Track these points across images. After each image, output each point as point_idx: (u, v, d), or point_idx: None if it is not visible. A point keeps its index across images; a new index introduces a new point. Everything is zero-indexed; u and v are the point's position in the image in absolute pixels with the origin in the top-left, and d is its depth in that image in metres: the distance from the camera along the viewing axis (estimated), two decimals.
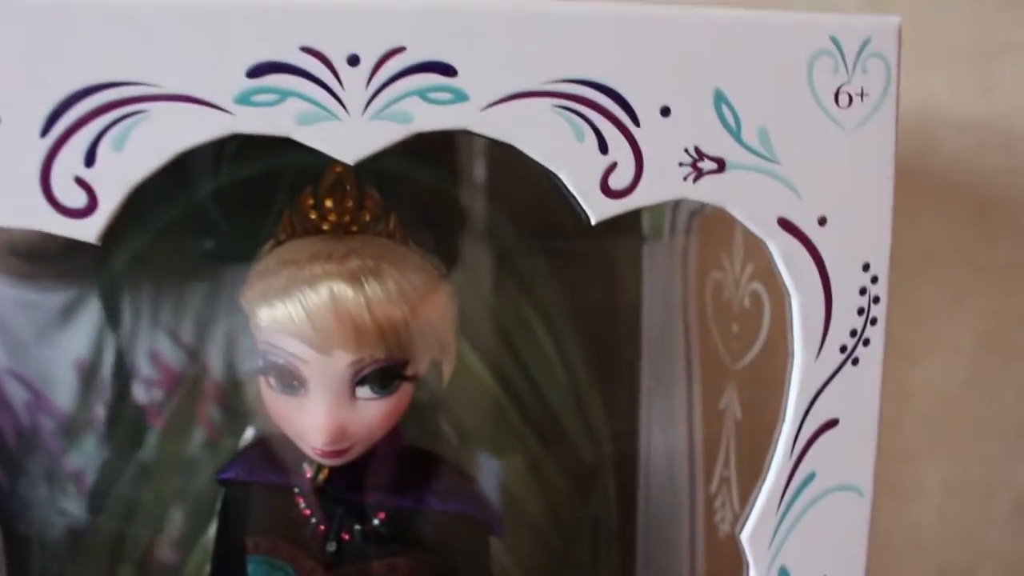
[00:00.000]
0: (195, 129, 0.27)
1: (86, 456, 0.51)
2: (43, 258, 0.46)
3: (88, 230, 0.27)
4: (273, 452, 0.42)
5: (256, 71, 0.27)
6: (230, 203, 0.47)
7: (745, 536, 0.36)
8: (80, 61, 0.26)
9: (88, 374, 0.49)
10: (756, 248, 0.42)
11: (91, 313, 0.49)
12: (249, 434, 0.51)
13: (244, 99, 0.27)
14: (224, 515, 0.43)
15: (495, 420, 0.54)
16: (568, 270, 0.52)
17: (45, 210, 0.26)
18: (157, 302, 0.49)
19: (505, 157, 0.30)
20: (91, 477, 0.51)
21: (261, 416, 0.43)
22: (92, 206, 0.26)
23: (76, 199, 0.26)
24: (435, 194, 0.46)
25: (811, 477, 0.36)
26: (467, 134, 0.29)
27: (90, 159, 0.26)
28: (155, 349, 0.50)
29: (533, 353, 0.53)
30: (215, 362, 0.51)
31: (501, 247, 0.50)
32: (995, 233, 0.69)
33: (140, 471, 0.52)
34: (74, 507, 0.51)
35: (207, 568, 0.52)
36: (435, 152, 0.46)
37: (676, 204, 0.50)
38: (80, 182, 0.26)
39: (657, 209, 0.51)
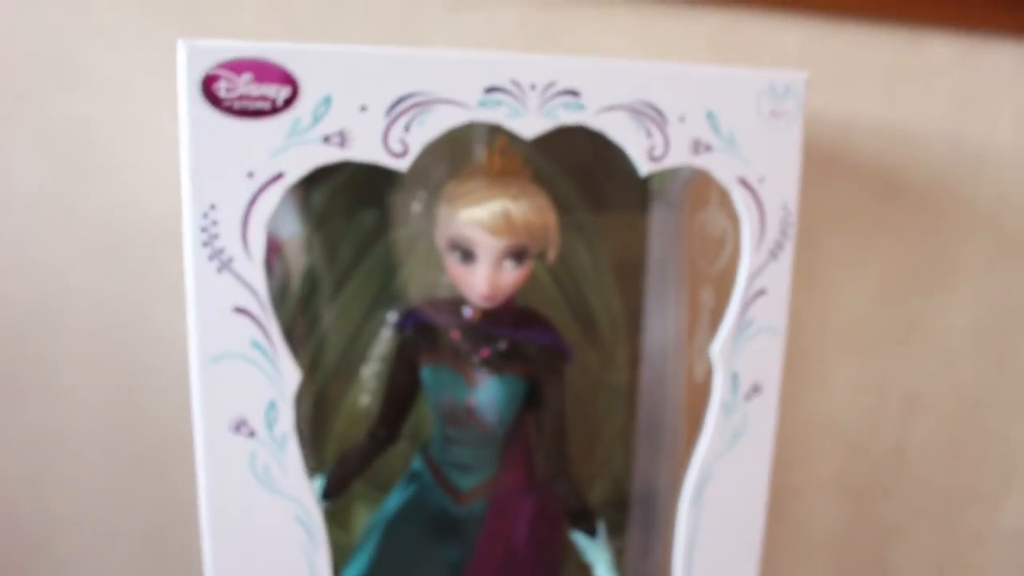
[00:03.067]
0: (455, 118, 0.55)
1: None
2: None
3: (402, 165, 0.55)
4: (436, 305, 0.70)
5: (488, 91, 0.55)
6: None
7: (714, 351, 0.65)
8: (403, 82, 0.54)
9: None
10: (725, 199, 0.71)
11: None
12: (392, 316, 0.78)
13: (481, 104, 0.55)
14: (401, 346, 0.71)
15: (551, 309, 0.81)
16: (608, 217, 0.81)
17: (384, 154, 0.54)
18: None
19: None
20: None
21: (428, 287, 0.71)
22: (405, 152, 0.55)
23: (399, 148, 0.54)
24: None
25: (751, 322, 0.65)
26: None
27: (407, 128, 0.54)
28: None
29: (579, 267, 0.82)
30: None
31: (571, 205, 0.78)
32: (892, 203, 0.96)
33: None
34: None
35: (363, 398, 0.80)
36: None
37: (675, 173, 0.79)
38: (401, 141, 0.54)
39: (661, 178, 0.80)
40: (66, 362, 0.79)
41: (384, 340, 0.79)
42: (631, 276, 0.83)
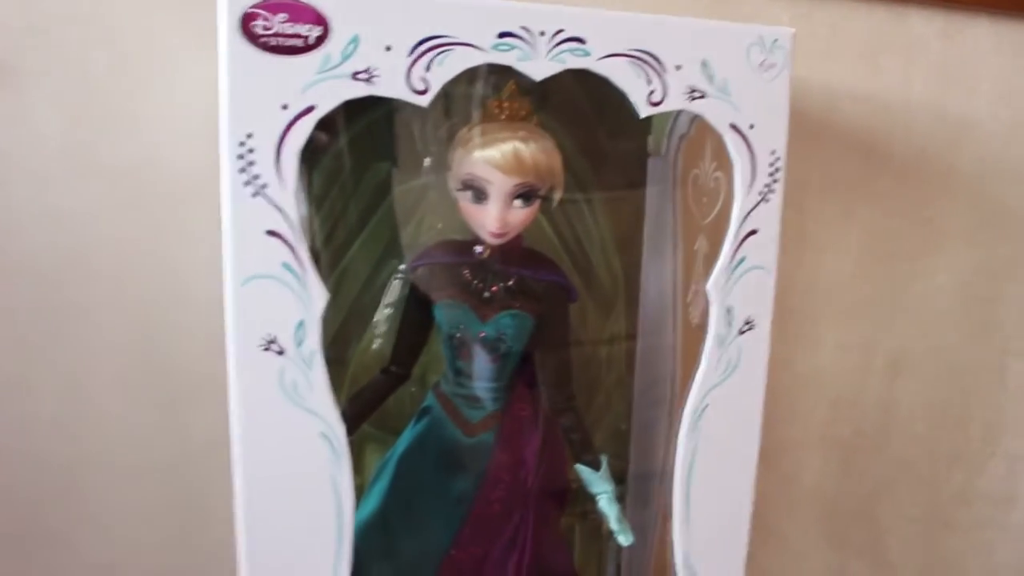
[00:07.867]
0: (472, 59, 0.60)
1: None
2: None
3: (423, 101, 0.60)
4: (449, 246, 0.75)
5: (501, 35, 0.60)
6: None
7: (709, 286, 0.69)
8: (424, 25, 0.59)
9: None
10: (717, 153, 0.76)
11: None
12: (402, 266, 0.82)
13: (495, 47, 0.60)
14: (413, 285, 0.76)
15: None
16: (606, 174, 0.86)
17: (407, 91, 0.59)
18: None
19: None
20: None
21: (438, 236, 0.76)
22: (427, 90, 0.59)
23: (421, 85, 0.59)
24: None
25: (743, 259, 0.70)
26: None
27: (428, 67, 0.59)
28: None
29: (581, 223, 0.86)
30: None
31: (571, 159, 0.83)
32: (876, 170, 1.01)
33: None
34: None
35: (375, 343, 0.84)
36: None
37: (671, 131, 0.84)
38: (423, 79, 0.59)
39: (658, 134, 0.85)
40: (92, 307, 0.84)
41: (395, 288, 0.83)
42: (630, 233, 0.88)
